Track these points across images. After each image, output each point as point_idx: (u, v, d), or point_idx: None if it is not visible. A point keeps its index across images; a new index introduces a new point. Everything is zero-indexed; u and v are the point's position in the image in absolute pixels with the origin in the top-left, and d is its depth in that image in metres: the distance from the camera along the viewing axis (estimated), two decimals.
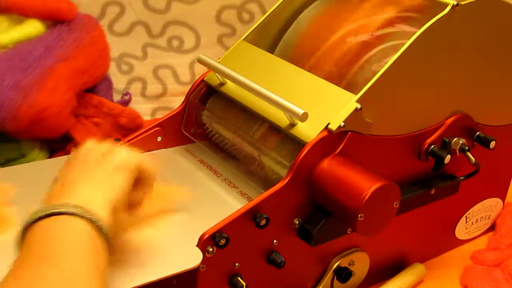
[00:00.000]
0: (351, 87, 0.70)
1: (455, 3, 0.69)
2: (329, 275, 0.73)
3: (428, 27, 0.68)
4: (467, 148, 0.75)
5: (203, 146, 0.82)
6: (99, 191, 0.54)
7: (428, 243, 0.85)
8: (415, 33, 0.68)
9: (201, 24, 1.18)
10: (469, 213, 0.88)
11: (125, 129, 1.00)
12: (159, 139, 0.81)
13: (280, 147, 0.71)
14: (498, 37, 0.77)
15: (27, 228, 0.50)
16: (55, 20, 0.95)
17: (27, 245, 0.48)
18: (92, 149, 0.59)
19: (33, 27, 0.92)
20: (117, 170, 0.56)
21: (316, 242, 0.67)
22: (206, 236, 0.60)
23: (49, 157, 0.92)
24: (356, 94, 0.67)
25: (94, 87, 1.00)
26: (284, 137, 0.71)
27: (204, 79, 0.81)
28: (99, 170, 0.56)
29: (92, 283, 0.47)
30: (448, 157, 0.73)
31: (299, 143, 0.67)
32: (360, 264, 0.75)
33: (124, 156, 0.58)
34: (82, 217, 0.50)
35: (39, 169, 0.77)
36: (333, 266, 0.72)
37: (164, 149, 0.82)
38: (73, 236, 0.49)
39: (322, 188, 0.65)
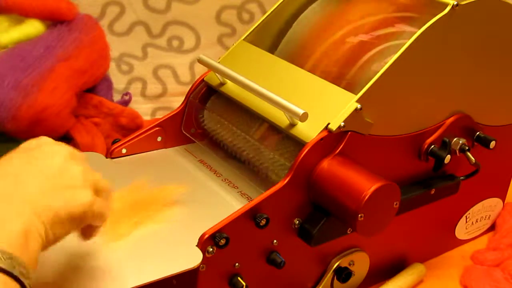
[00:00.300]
0: (351, 87, 0.70)
1: (455, 3, 0.69)
2: (329, 275, 0.73)
3: (428, 27, 0.68)
4: (467, 148, 0.75)
5: (203, 146, 0.82)
6: (20, 217, 0.45)
7: (428, 243, 0.85)
8: (415, 33, 0.68)
9: (201, 24, 1.18)
10: (469, 213, 0.88)
11: (125, 129, 1.00)
12: (159, 139, 0.81)
13: (280, 147, 0.71)
14: (498, 37, 0.77)
15: None
16: (55, 20, 0.95)
17: None
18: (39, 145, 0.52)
19: (33, 27, 0.92)
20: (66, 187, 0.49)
21: (316, 242, 0.67)
22: (206, 236, 0.60)
23: None
24: (356, 94, 0.67)
25: (94, 87, 1.00)
26: (284, 137, 0.71)
27: (204, 79, 0.81)
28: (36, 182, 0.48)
29: None
30: (448, 157, 0.73)
31: (299, 143, 0.67)
32: (360, 264, 0.75)
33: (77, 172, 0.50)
34: None
35: None
36: (333, 266, 0.72)
37: (164, 149, 0.82)
38: None
39: (322, 188, 0.65)
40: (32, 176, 0.48)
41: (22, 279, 0.43)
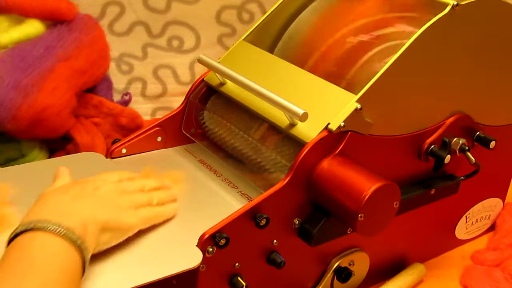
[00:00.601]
0: (351, 87, 0.70)
1: (455, 3, 0.69)
2: (329, 275, 0.73)
3: (428, 27, 0.68)
4: (467, 148, 0.75)
5: (203, 146, 0.82)
6: (90, 208, 0.57)
7: (428, 243, 0.85)
8: (415, 33, 0.68)
9: (201, 24, 1.18)
10: (469, 213, 0.88)
11: (125, 129, 1.00)
12: (159, 139, 0.81)
13: (280, 147, 0.71)
14: (498, 37, 0.77)
15: (8, 244, 0.52)
16: (55, 20, 0.95)
17: (3, 260, 0.50)
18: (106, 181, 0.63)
19: (33, 27, 0.92)
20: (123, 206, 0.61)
21: (316, 242, 0.67)
22: (206, 236, 0.60)
23: (49, 157, 0.92)
24: (356, 94, 0.67)
25: (94, 87, 1.00)
26: (284, 137, 0.71)
27: (204, 79, 0.81)
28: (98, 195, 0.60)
29: None
30: (448, 157, 0.73)
31: (299, 143, 0.67)
32: (360, 264, 0.75)
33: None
34: (55, 233, 0.52)
35: (39, 169, 0.77)
36: (333, 266, 0.72)
37: (164, 149, 0.82)
38: (45, 256, 0.50)
39: (322, 188, 0.65)
40: (86, 196, 0.59)
41: (84, 253, 0.53)
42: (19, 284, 0.47)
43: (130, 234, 0.61)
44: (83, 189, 0.60)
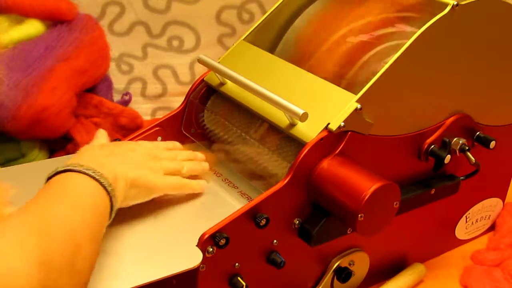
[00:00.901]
0: (351, 87, 0.70)
1: (455, 3, 0.69)
2: (329, 275, 0.73)
3: (428, 27, 0.68)
4: (467, 148, 0.75)
5: (203, 146, 0.82)
6: (123, 165, 0.63)
7: (428, 243, 0.85)
8: (415, 33, 0.68)
9: (201, 24, 1.18)
10: (469, 213, 0.88)
11: (125, 129, 1.00)
12: (159, 139, 0.81)
13: (280, 147, 0.71)
14: (498, 37, 0.77)
15: (48, 180, 0.58)
16: (55, 20, 0.95)
17: (43, 189, 0.56)
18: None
19: (33, 27, 0.92)
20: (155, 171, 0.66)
21: (316, 242, 0.67)
22: (206, 236, 0.60)
23: (49, 157, 0.92)
24: (356, 94, 0.67)
25: (94, 87, 1.00)
26: (284, 137, 0.71)
27: (204, 79, 0.81)
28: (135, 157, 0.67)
29: (84, 231, 0.53)
30: (448, 157, 0.73)
31: (299, 143, 0.67)
32: (360, 264, 0.75)
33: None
34: (90, 176, 0.57)
35: (39, 169, 0.76)
36: (333, 266, 0.72)
37: None
38: (79, 189, 0.56)
39: (322, 188, 0.65)
40: (120, 155, 0.65)
41: (113, 200, 0.58)
42: (54, 208, 0.52)
43: (156, 195, 0.66)
44: (118, 148, 0.67)
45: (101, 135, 0.73)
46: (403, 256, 0.82)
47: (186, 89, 0.83)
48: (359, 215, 0.62)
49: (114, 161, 0.63)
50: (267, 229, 0.64)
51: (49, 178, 0.58)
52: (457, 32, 0.72)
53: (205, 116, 0.81)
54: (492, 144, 0.78)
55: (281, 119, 0.69)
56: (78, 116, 0.95)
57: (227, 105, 0.79)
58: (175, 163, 0.69)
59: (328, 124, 0.66)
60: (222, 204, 0.70)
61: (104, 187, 0.57)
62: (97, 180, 0.57)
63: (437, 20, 0.69)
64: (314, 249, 0.68)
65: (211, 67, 0.78)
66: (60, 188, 0.56)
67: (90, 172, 0.57)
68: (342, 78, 0.75)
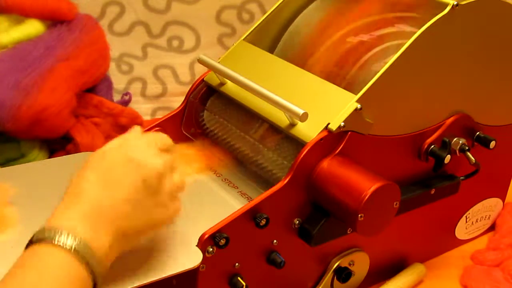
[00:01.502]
0: (351, 87, 0.70)
1: (455, 3, 0.69)
2: (329, 275, 0.73)
3: (428, 27, 0.68)
4: (467, 148, 0.75)
5: (206, 144, 0.81)
6: (106, 217, 0.52)
7: (428, 243, 0.85)
8: (415, 33, 0.68)
9: (201, 24, 1.18)
10: (469, 213, 0.88)
11: (125, 129, 0.99)
12: None
13: (280, 147, 0.71)
14: (498, 37, 0.77)
15: (26, 249, 0.50)
16: (55, 20, 0.95)
17: (15, 266, 0.48)
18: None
19: (33, 27, 0.92)
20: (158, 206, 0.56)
21: (316, 242, 0.67)
22: (206, 236, 0.60)
23: (49, 157, 0.92)
24: (356, 94, 0.67)
25: (94, 87, 1.00)
26: (284, 137, 0.71)
27: (204, 79, 0.81)
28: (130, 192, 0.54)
29: None
30: (448, 157, 0.73)
31: (299, 143, 0.67)
32: (360, 264, 0.75)
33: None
34: (67, 249, 0.48)
35: (39, 169, 0.76)
36: (333, 266, 0.72)
37: None
38: (53, 269, 0.48)
39: (322, 188, 0.65)
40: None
41: (96, 270, 0.49)
42: None
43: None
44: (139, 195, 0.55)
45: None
46: (403, 256, 0.82)
47: (186, 89, 0.83)
48: (359, 215, 0.62)
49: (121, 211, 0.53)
50: (267, 229, 0.64)
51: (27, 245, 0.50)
52: (457, 32, 0.72)
53: (205, 116, 0.81)
54: (492, 144, 0.78)
55: (281, 119, 0.69)
56: (78, 116, 0.95)
57: (227, 105, 0.79)
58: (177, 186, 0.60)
59: (328, 124, 0.66)
60: (222, 204, 0.70)
61: (82, 258, 0.49)
62: (72, 251, 0.48)
63: (437, 20, 0.69)
64: (314, 249, 0.68)
65: (211, 67, 0.78)
66: (31, 271, 0.47)
67: (63, 241, 0.48)
68: (342, 78, 0.75)
